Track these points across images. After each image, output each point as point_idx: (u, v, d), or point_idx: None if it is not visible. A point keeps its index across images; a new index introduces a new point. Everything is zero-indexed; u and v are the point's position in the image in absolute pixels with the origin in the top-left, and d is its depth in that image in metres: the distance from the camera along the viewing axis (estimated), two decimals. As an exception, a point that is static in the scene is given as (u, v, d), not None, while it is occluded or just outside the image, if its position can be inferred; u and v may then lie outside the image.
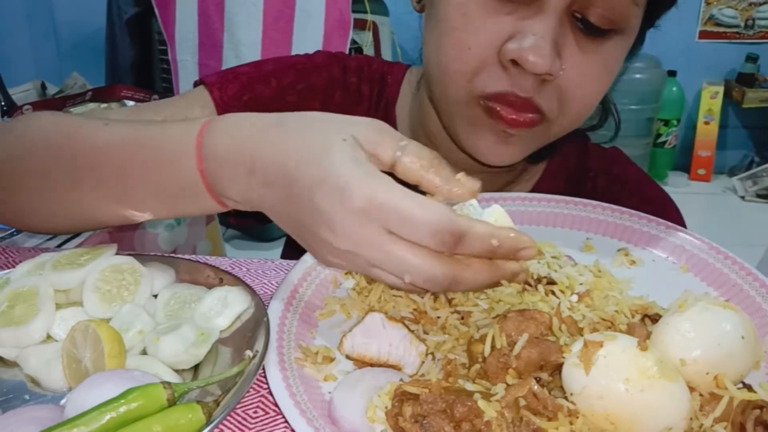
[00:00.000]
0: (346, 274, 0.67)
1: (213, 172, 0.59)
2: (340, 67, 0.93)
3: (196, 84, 0.90)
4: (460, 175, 0.56)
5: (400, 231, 0.50)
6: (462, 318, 0.59)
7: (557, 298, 0.59)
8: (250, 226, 1.00)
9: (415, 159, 0.55)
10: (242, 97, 0.86)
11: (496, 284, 0.55)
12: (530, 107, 0.72)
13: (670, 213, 0.78)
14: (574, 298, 0.59)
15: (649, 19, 0.77)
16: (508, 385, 0.49)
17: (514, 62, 0.69)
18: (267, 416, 0.52)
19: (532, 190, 0.91)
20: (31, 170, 0.70)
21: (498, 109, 0.72)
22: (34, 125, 0.73)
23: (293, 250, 0.96)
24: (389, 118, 0.93)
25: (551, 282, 0.61)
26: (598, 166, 0.95)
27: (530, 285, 0.61)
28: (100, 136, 0.66)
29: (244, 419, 0.52)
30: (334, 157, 0.52)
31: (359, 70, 0.94)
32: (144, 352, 0.56)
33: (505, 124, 0.73)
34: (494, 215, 0.57)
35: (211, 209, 0.62)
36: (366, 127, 0.55)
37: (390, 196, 0.50)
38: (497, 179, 0.90)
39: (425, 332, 0.58)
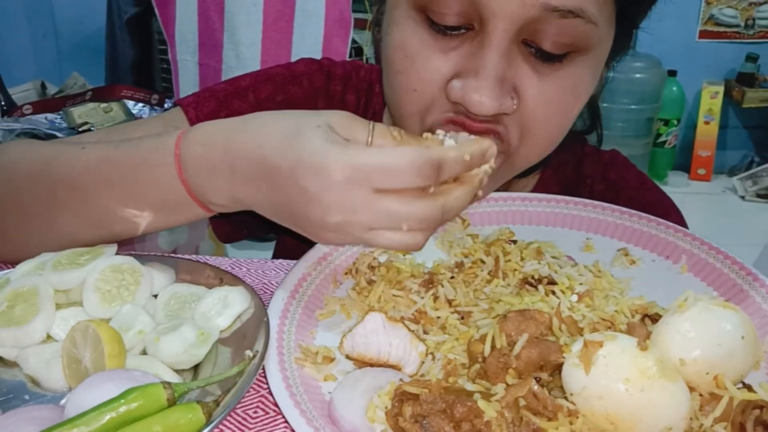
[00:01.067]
0: (346, 273, 0.67)
1: (195, 181, 0.61)
2: (324, 74, 0.91)
3: (173, 105, 0.89)
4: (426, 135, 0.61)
5: (386, 183, 0.53)
6: (462, 318, 0.59)
7: (557, 298, 0.59)
8: (240, 239, 0.99)
9: (387, 136, 0.58)
10: (219, 114, 0.85)
11: (475, 196, 0.59)
12: (488, 131, 0.68)
13: (670, 216, 0.75)
14: (574, 298, 0.59)
15: (631, 22, 0.73)
16: (508, 385, 0.49)
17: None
18: (267, 416, 0.52)
19: None
20: (7, 200, 0.70)
21: (459, 122, 0.68)
22: (8, 156, 0.72)
23: (284, 252, 0.96)
24: None
25: (552, 282, 0.61)
26: (595, 171, 0.91)
27: (532, 285, 0.61)
28: (79, 159, 0.67)
29: (244, 419, 0.52)
30: (310, 141, 0.54)
31: (345, 79, 0.92)
32: (144, 352, 0.56)
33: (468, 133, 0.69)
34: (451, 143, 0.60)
35: (198, 216, 0.64)
36: (336, 115, 0.58)
37: (366, 157, 0.53)
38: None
39: (425, 332, 0.58)
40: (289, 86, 0.89)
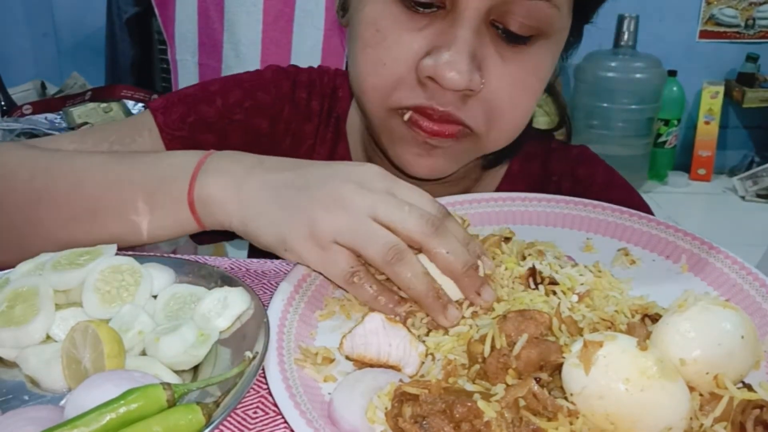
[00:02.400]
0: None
1: (207, 176, 0.66)
2: (290, 81, 0.92)
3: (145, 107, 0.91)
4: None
5: (410, 199, 0.60)
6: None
7: (558, 298, 0.59)
8: (217, 241, 1.00)
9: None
10: (187, 119, 0.86)
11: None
12: (450, 120, 0.70)
13: None
14: (575, 298, 0.59)
15: (583, 16, 0.75)
16: (508, 385, 0.49)
17: (432, 78, 0.67)
18: (267, 417, 0.52)
19: None
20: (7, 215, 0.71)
21: (417, 119, 0.70)
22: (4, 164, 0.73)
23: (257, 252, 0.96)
24: (340, 134, 0.92)
25: (553, 282, 0.61)
26: (562, 168, 0.92)
27: (533, 287, 0.61)
28: (88, 171, 0.69)
29: (244, 420, 0.52)
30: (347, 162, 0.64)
31: (310, 85, 0.93)
32: (144, 353, 0.56)
33: (426, 135, 0.71)
34: None
35: (189, 224, 0.68)
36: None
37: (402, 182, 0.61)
38: (453, 189, 0.87)
39: (427, 334, 0.58)
40: (257, 92, 0.90)
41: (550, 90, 0.87)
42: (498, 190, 0.90)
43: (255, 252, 0.97)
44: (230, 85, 0.90)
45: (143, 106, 2.20)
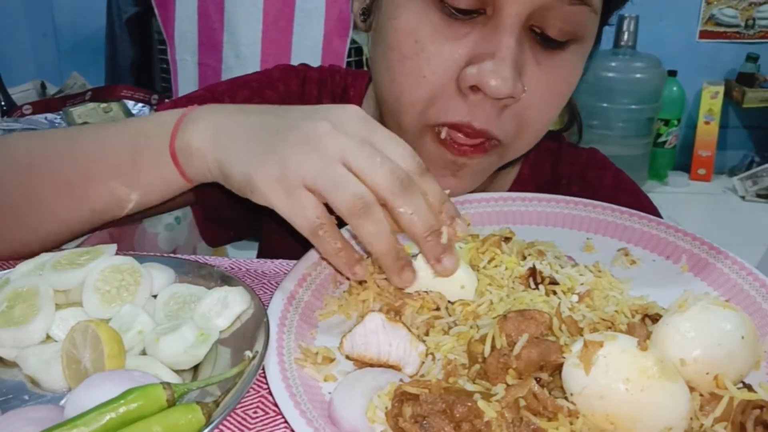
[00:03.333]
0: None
1: (183, 133, 0.64)
2: (300, 79, 0.91)
3: (161, 103, 0.91)
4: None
5: (384, 143, 0.57)
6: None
7: (558, 298, 0.59)
8: (228, 242, 1.00)
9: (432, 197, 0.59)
10: None
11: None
12: (485, 136, 0.69)
13: None
14: (575, 298, 0.59)
15: (605, 18, 0.74)
16: (508, 385, 0.49)
17: (474, 88, 0.66)
18: (267, 416, 0.52)
19: None
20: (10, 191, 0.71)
21: (450, 139, 0.69)
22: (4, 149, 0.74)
23: (269, 250, 0.96)
24: None
25: (554, 282, 0.61)
26: (572, 171, 0.92)
27: (534, 287, 0.61)
28: (64, 139, 0.70)
29: (244, 419, 0.52)
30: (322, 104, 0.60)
31: (321, 83, 0.92)
32: (144, 353, 0.56)
33: (457, 154, 0.70)
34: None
35: (172, 182, 0.67)
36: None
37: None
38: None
39: (427, 334, 0.58)
40: (265, 91, 0.89)
41: None
42: (509, 191, 0.90)
43: (263, 254, 0.98)
44: (237, 85, 0.90)
45: (143, 107, 2.20)
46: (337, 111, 0.59)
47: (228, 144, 0.61)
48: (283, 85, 0.91)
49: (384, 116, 0.78)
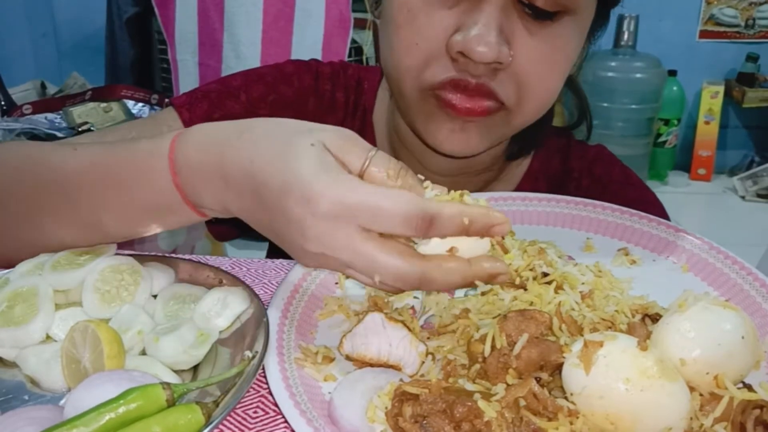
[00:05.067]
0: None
1: (189, 185, 0.59)
2: (312, 74, 0.92)
3: (165, 105, 0.90)
4: (427, 183, 0.56)
5: (373, 225, 0.51)
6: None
7: (567, 294, 0.58)
8: (232, 238, 1.00)
9: (382, 168, 0.54)
10: (213, 115, 0.85)
11: (471, 284, 0.55)
12: (484, 93, 0.72)
13: (653, 213, 0.77)
14: (577, 297, 0.59)
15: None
16: (508, 385, 0.49)
17: (462, 54, 0.69)
18: (267, 416, 0.52)
19: (514, 191, 0.89)
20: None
21: (450, 98, 0.72)
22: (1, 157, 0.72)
23: (278, 249, 0.96)
24: (366, 127, 0.92)
25: (549, 281, 0.61)
26: (581, 166, 0.94)
27: (522, 287, 0.61)
28: (68, 162, 0.65)
29: (244, 419, 0.52)
30: (301, 163, 0.52)
31: (334, 77, 0.93)
32: (143, 353, 0.56)
33: (459, 114, 0.72)
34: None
35: (191, 220, 0.62)
36: (334, 134, 0.55)
37: (357, 194, 0.50)
38: (475, 180, 0.89)
39: (428, 337, 0.58)
40: (279, 86, 0.90)
41: (570, 83, 0.89)
42: (520, 185, 0.92)
43: (273, 252, 0.98)
44: (252, 80, 0.90)
45: (143, 106, 2.20)
46: (315, 228, 0.52)
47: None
48: (298, 81, 0.91)
49: (391, 88, 0.82)
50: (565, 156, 0.94)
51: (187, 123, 0.84)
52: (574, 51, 0.76)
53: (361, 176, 0.54)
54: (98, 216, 0.63)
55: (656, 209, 0.89)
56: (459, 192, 0.55)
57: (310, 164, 0.51)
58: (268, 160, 0.54)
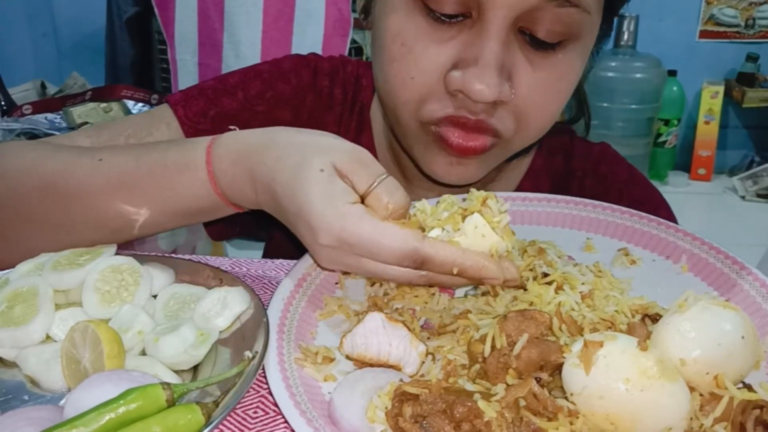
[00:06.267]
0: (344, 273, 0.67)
1: (228, 191, 0.64)
2: (311, 70, 0.91)
3: (160, 103, 0.90)
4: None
5: (369, 257, 0.56)
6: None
7: (567, 294, 0.58)
8: (233, 237, 1.01)
9: (384, 197, 0.57)
10: (208, 112, 0.85)
11: (480, 282, 0.58)
12: (483, 129, 0.69)
13: (659, 213, 0.75)
14: (577, 297, 0.59)
15: (613, 10, 0.74)
16: (508, 385, 0.49)
17: (461, 91, 0.66)
18: (267, 416, 0.52)
19: (516, 190, 0.90)
20: (8, 207, 0.70)
21: (448, 136, 0.70)
22: (8, 161, 0.72)
23: (274, 248, 0.96)
24: (364, 123, 0.92)
25: (549, 282, 0.61)
26: (585, 165, 0.92)
27: (522, 288, 0.61)
28: (95, 175, 0.67)
29: (244, 419, 0.52)
30: (309, 192, 0.56)
31: (332, 73, 0.92)
32: (143, 353, 0.56)
33: (456, 152, 0.70)
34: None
35: (228, 213, 0.68)
36: (346, 155, 0.58)
37: (357, 231, 0.54)
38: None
39: (428, 337, 0.58)
40: (277, 83, 0.89)
41: None
42: (521, 184, 0.91)
43: (269, 253, 0.98)
44: (249, 77, 0.89)
45: (143, 106, 2.20)
46: (320, 252, 0.58)
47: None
48: (295, 77, 0.90)
49: (385, 112, 0.79)
50: (568, 154, 0.93)
51: (183, 119, 0.84)
52: (578, 75, 0.73)
53: (364, 197, 0.57)
54: (130, 222, 0.67)
55: (662, 208, 0.89)
56: (483, 195, 0.58)
57: (316, 196, 0.55)
58: (284, 183, 0.58)
